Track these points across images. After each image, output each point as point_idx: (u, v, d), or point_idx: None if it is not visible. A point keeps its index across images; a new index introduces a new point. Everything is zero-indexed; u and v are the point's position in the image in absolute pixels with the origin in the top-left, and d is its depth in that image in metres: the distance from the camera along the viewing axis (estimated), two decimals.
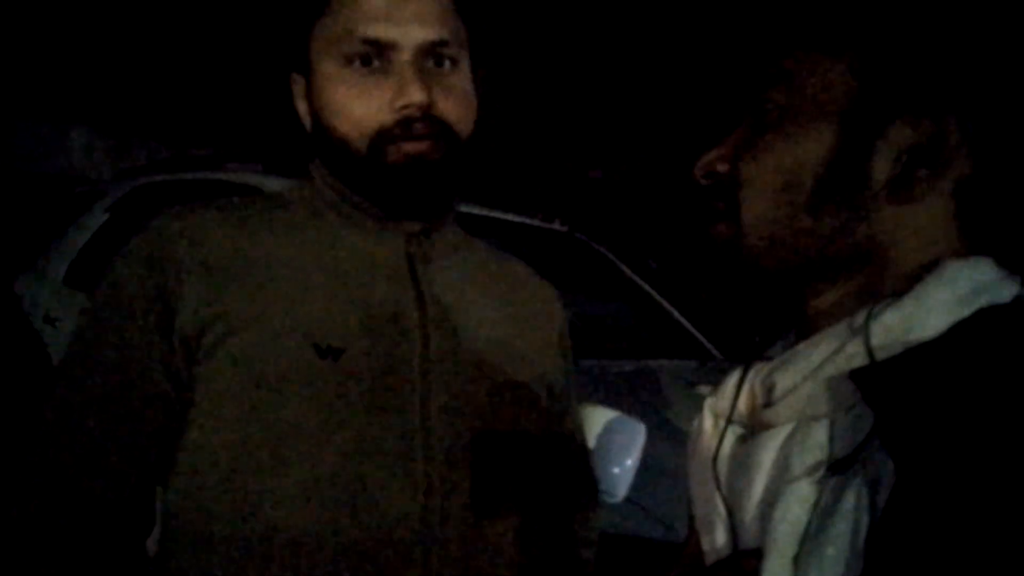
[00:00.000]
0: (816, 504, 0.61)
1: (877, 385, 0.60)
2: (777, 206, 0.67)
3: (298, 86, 1.07)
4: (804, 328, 0.71)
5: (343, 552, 0.96)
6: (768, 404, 0.68)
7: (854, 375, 0.61)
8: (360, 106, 0.99)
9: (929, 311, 0.62)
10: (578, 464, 1.24)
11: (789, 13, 0.70)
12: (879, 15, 0.67)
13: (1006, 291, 0.63)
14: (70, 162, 7.81)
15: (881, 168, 0.65)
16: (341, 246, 1.05)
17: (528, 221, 3.60)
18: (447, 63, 1.02)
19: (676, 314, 3.50)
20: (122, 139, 7.97)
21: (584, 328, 3.04)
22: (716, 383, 0.78)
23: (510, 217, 3.50)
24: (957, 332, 0.61)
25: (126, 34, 7.39)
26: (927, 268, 0.65)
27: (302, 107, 1.07)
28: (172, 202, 1.09)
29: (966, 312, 0.62)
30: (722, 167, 0.71)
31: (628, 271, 3.64)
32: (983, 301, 0.62)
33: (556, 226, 3.77)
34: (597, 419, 1.73)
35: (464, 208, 3.06)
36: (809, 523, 0.61)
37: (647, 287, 3.59)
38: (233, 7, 6.97)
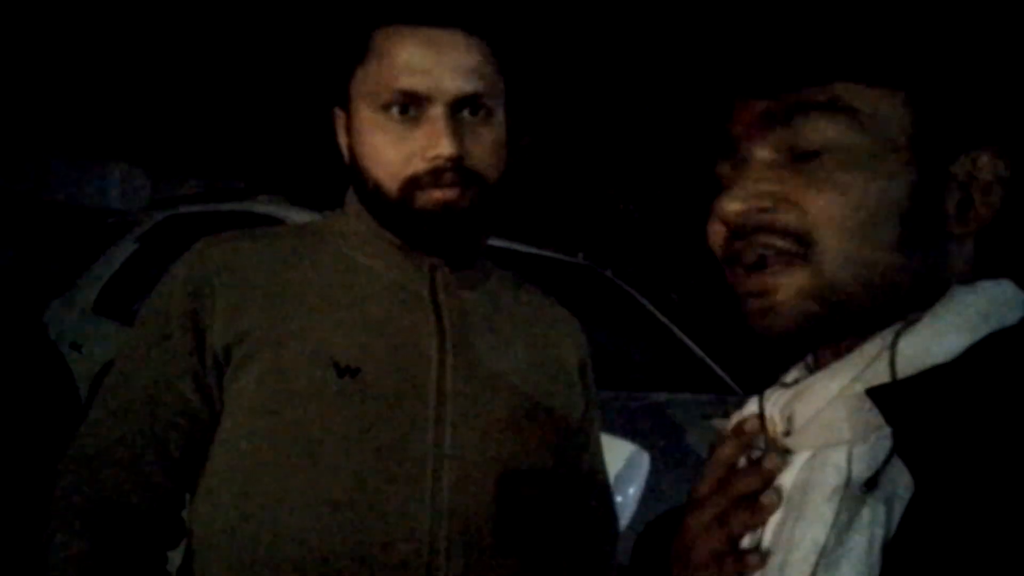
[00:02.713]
0: (834, 523, 0.62)
1: (896, 402, 0.61)
2: (866, 245, 0.64)
3: (340, 121, 1.12)
4: (825, 357, 0.70)
5: (349, 568, 0.98)
6: (788, 432, 0.69)
7: (872, 393, 0.62)
8: (393, 153, 1.03)
9: (942, 336, 0.63)
10: (595, 496, 1.24)
11: (833, 44, 0.66)
12: (930, 46, 0.67)
13: (1015, 313, 0.64)
14: (107, 196, 7.98)
15: (950, 202, 0.66)
16: (366, 272, 1.09)
17: (548, 254, 3.62)
18: (481, 112, 1.05)
19: (695, 348, 3.48)
20: (158, 173, 8.14)
21: (601, 360, 3.03)
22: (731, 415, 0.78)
23: (531, 250, 3.51)
24: (971, 355, 0.62)
25: (164, 71, 7.57)
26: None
27: (343, 140, 1.12)
28: (199, 233, 1.14)
29: (978, 335, 0.63)
30: (785, 208, 0.65)
31: (648, 304, 3.63)
32: (994, 324, 0.63)
33: (579, 259, 3.78)
34: None
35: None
36: (827, 542, 0.61)
37: (666, 320, 3.57)
38: (270, 45, 7.12)
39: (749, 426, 0.69)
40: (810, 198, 0.64)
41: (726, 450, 0.69)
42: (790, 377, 0.74)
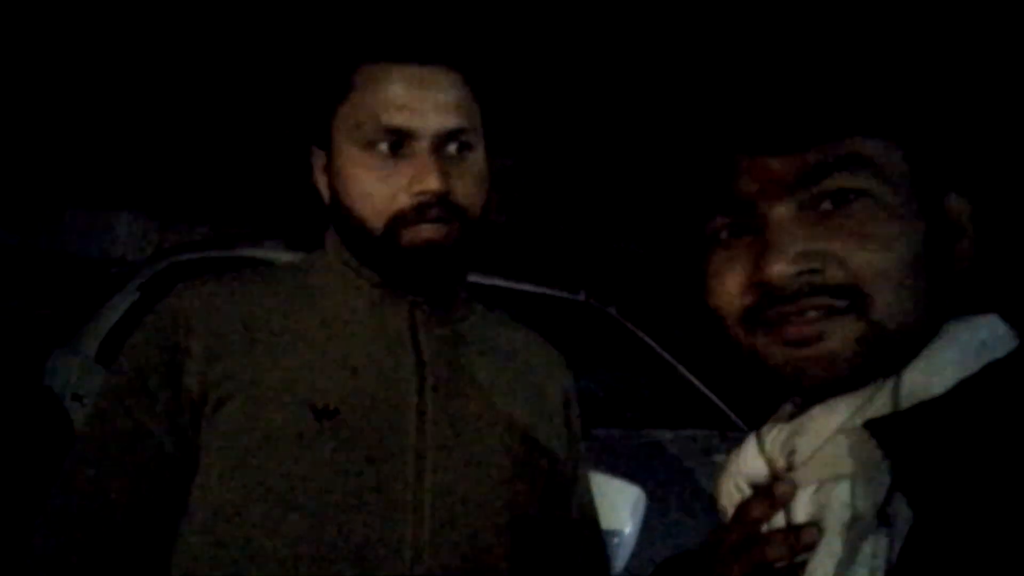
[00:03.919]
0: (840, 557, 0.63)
1: (893, 435, 0.62)
2: (908, 295, 0.65)
3: (318, 160, 1.12)
4: (820, 393, 0.70)
5: None
6: (790, 467, 0.69)
7: (870, 426, 0.63)
8: (379, 190, 1.03)
9: (941, 371, 0.64)
10: (585, 536, 1.21)
11: (847, 101, 0.68)
12: (919, 99, 0.69)
13: (1005, 346, 0.66)
14: (115, 246, 8.04)
15: (946, 246, 0.68)
16: (345, 311, 1.08)
17: (550, 292, 3.61)
18: (464, 148, 1.06)
19: (699, 384, 3.45)
20: (166, 223, 8.21)
21: (603, 398, 3.01)
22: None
23: (531, 288, 3.50)
24: (965, 387, 0.63)
25: (173, 120, 7.66)
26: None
27: (321, 180, 1.11)
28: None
29: (973, 368, 0.64)
30: (831, 267, 0.65)
31: (651, 341, 3.60)
32: (987, 357, 0.65)
33: (581, 297, 3.76)
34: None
35: (485, 280, 3.10)
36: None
37: (669, 357, 3.55)
38: (279, 91, 7.20)
39: (779, 490, 0.68)
40: (853, 251, 0.64)
41: (754, 509, 0.69)
42: (784, 413, 0.75)
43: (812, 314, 0.65)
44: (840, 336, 0.65)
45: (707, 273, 0.71)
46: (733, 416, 3.34)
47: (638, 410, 3.20)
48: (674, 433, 2.96)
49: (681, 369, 3.53)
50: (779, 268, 0.65)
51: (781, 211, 0.67)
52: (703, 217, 0.72)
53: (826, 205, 0.66)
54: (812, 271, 0.65)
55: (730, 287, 0.69)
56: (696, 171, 0.72)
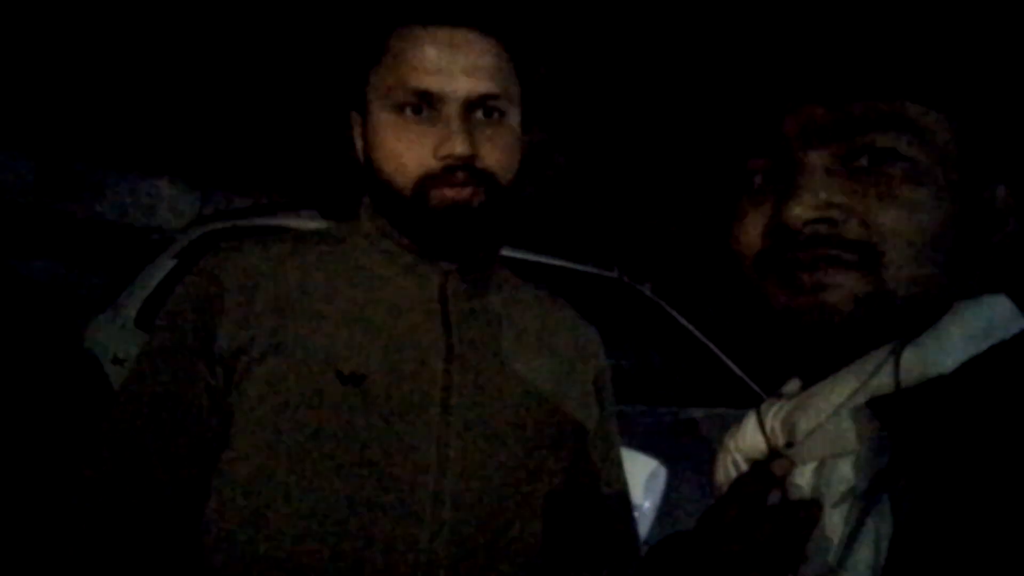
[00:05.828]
0: (842, 535, 0.63)
1: (896, 412, 0.61)
2: (927, 264, 0.64)
3: (356, 124, 1.12)
4: (824, 368, 0.70)
5: None
6: (790, 444, 0.69)
7: (873, 403, 0.63)
8: (407, 152, 1.03)
9: (946, 349, 0.64)
10: (614, 511, 1.21)
11: (902, 62, 0.66)
12: (977, 79, 0.68)
13: (1013, 327, 0.65)
14: (156, 214, 8.14)
15: (978, 229, 0.68)
16: (376, 279, 1.08)
17: (581, 268, 3.60)
18: (494, 114, 1.05)
19: (730, 363, 3.44)
20: (206, 191, 8.28)
21: (634, 375, 3.01)
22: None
23: (563, 263, 3.50)
24: (971, 366, 0.63)
25: (217, 88, 7.71)
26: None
27: (358, 144, 1.12)
28: None
29: (980, 348, 0.63)
30: (852, 221, 0.65)
31: (682, 319, 3.59)
32: (995, 337, 0.64)
33: (614, 274, 3.75)
34: None
35: (519, 254, 3.10)
36: (836, 554, 0.62)
37: (701, 335, 3.54)
38: (308, 62, 7.22)
39: (777, 467, 0.67)
40: (878, 211, 0.64)
41: (750, 485, 0.68)
42: (787, 389, 0.74)
43: (821, 263, 0.64)
44: (842, 290, 0.64)
45: (735, 217, 0.70)
46: (765, 395, 3.33)
47: (669, 388, 3.20)
48: (705, 411, 2.96)
49: (713, 348, 3.52)
50: (798, 211, 0.64)
51: (815, 158, 0.66)
52: (742, 157, 0.71)
53: (862, 162, 0.65)
54: (830, 221, 0.64)
55: (751, 229, 0.68)
56: (742, 115, 0.71)
